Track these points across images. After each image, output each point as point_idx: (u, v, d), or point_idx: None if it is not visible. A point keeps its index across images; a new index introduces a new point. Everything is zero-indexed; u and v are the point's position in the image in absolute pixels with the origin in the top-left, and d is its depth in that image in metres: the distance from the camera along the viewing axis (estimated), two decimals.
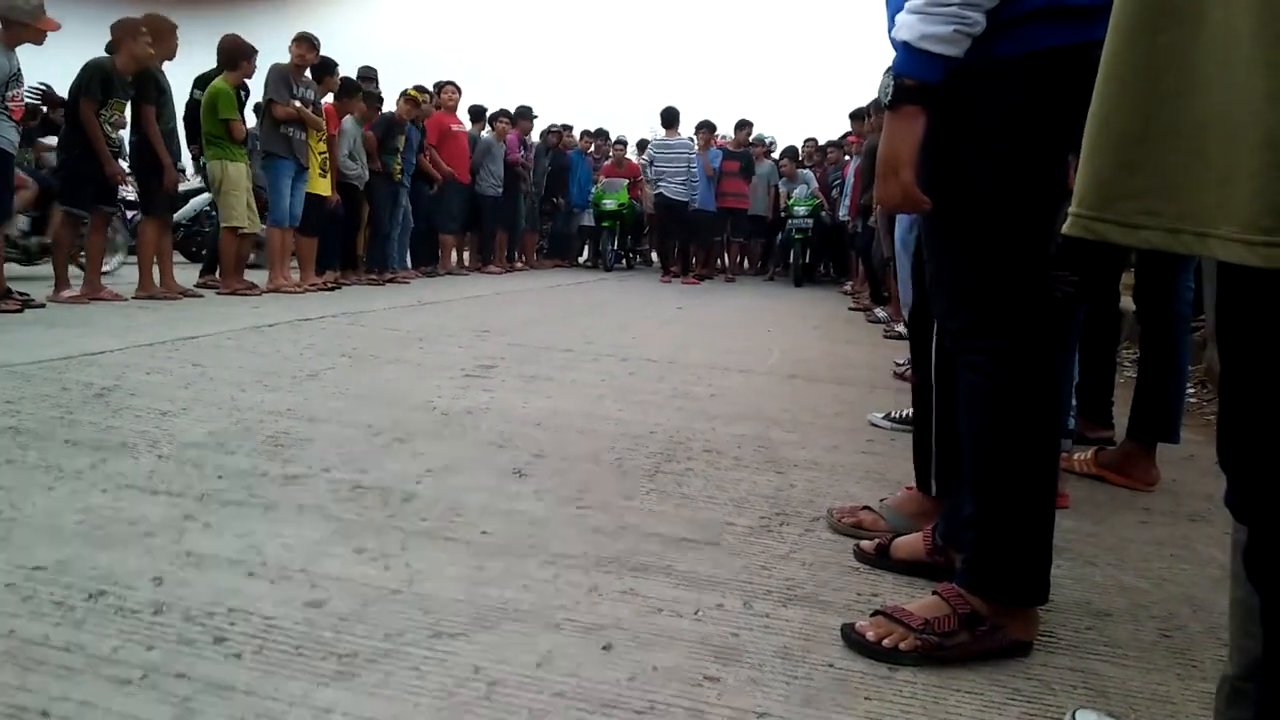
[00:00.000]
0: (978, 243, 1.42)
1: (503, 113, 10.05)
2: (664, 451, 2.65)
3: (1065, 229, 0.79)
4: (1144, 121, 0.73)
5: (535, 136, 11.07)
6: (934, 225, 1.48)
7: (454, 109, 9.37)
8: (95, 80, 5.34)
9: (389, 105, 8.17)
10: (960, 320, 1.48)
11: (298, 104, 6.53)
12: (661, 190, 10.14)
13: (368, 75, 8.32)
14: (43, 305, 5.12)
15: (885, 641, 1.45)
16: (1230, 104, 0.67)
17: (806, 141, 12.32)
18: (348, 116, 7.31)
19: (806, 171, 11.25)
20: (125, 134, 5.67)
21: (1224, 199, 0.68)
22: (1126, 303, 2.97)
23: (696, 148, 10.19)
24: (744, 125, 11.40)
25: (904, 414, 3.08)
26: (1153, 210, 0.72)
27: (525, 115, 10.52)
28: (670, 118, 10.18)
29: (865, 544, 1.87)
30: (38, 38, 4.97)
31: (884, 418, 3.17)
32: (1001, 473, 1.44)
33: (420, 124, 8.48)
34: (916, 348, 1.97)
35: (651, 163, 10.30)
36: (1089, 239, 0.77)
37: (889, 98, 1.36)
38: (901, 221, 2.55)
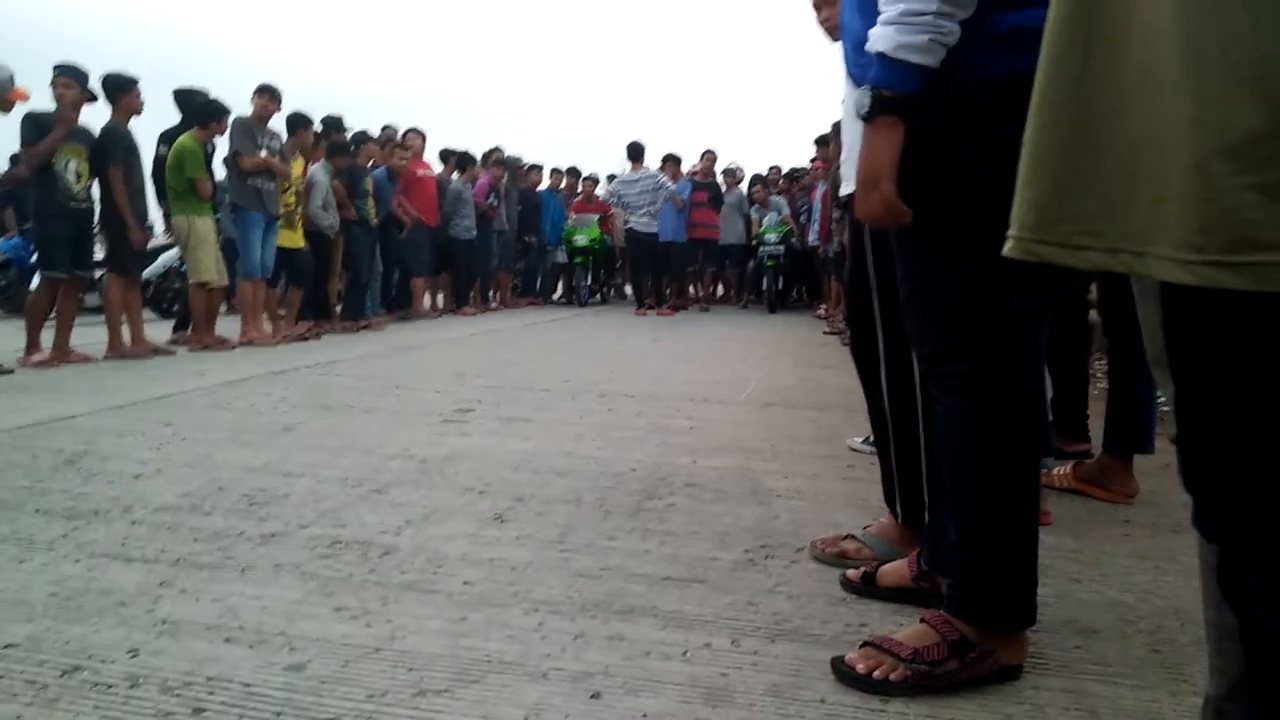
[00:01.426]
0: (953, 266, 1.42)
1: (468, 157, 10.06)
2: (645, 489, 2.64)
3: (1006, 250, 0.80)
4: (1079, 141, 0.74)
5: (544, 177, 10.99)
6: (907, 248, 1.48)
7: (419, 155, 9.40)
8: (120, 146, 5.48)
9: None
10: (935, 344, 1.47)
11: (264, 154, 6.52)
12: (631, 225, 10.24)
13: (333, 125, 8.33)
14: (11, 371, 5.04)
15: (876, 673, 1.43)
16: (1158, 126, 0.68)
17: (771, 169, 12.47)
18: (317, 166, 7.31)
19: (778, 198, 11.37)
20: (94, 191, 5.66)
21: (1157, 218, 0.69)
22: (1094, 315, 3.01)
23: (664, 180, 10.26)
24: (709, 155, 11.54)
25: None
26: (1093, 230, 0.73)
27: (501, 163, 10.54)
28: (635, 151, 10.25)
29: (851, 573, 1.86)
30: (7, 108, 4.97)
31: (863, 442, 3.17)
32: (984, 496, 1.44)
33: (395, 171, 8.51)
34: (864, 371, 1.97)
35: (617, 198, 10.38)
36: (1031, 260, 0.78)
37: (866, 110, 1.36)
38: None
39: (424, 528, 2.24)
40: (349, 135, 8.24)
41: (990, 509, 1.44)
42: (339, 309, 8.00)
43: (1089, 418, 2.94)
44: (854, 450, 3.16)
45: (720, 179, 11.62)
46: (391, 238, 8.63)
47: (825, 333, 7.92)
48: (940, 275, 1.43)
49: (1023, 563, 1.45)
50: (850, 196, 1.65)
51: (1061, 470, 2.66)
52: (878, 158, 1.37)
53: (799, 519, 2.35)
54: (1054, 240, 0.75)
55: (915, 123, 1.37)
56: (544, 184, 12.09)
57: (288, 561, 1.99)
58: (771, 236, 10.60)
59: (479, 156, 10.47)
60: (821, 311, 9.76)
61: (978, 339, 1.43)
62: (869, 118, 1.37)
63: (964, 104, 1.37)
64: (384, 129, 9.12)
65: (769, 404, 4.17)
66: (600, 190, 12.08)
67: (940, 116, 1.38)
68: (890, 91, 1.35)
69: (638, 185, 10.14)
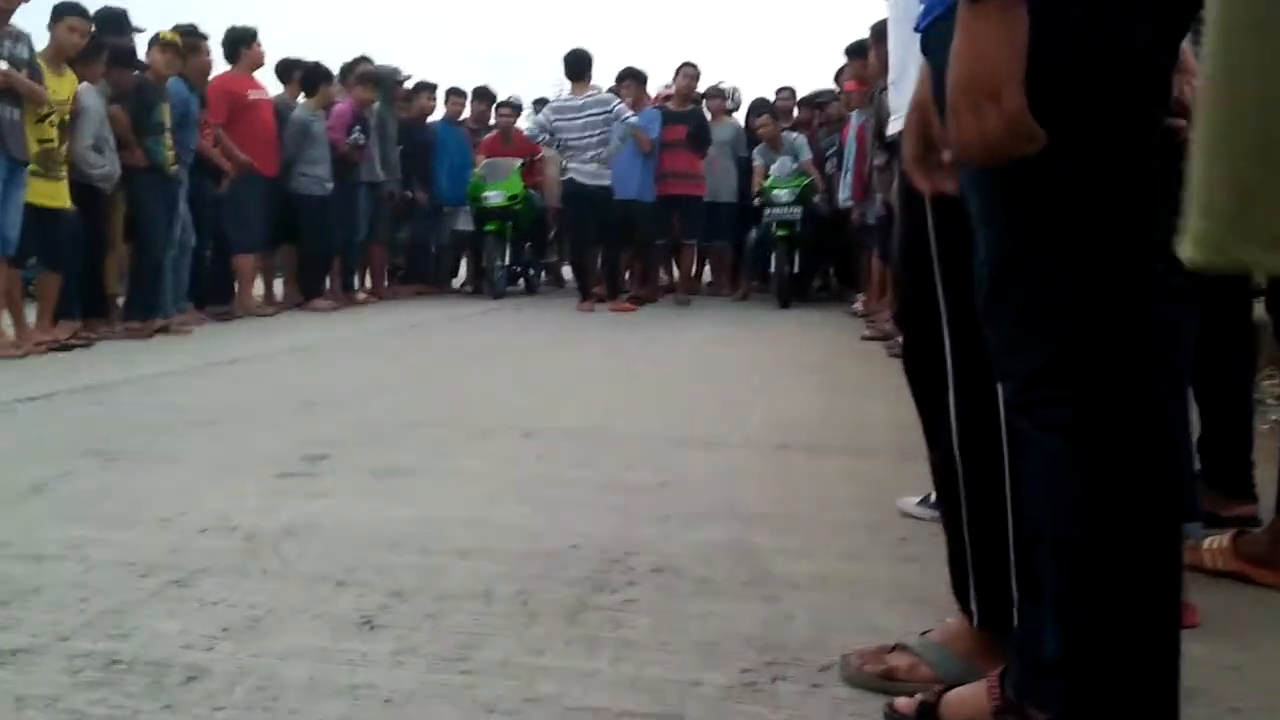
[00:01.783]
0: (1074, 239, 1.43)
1: (319, 72, 9.99)
2: (592, 576, 2.63)
3: (1189, 255, 0.82)
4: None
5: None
6: (1003, 207, 1.48)
7: (254, 67, 9.35)
8: None
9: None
10: (1032, 359, 1.48)
11: (3, 65, 6.43)
12: (572, 174, 10.20)
13: (112, 17, 8.22)
14: None
15: None
16: None
17: (780, 92, 12.53)
18: (85, 86, 7.23)
19: (794, 135, 11.38)
20: None
21: None
22: (1260, 312, 3.05)
23: (621, 107, 10.25)
24: (688, 70, 11.49)
25: None
26: None
27: (369, 79, 10.46)
28: (578, 65, 10.24)
29: (902, 702, 1.87)
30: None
31: (919, 503, 3.20)
32: (1100, 586, 1.45)
33: (198, 87, 8.43)
34: (923, 398, 1.97)
35: (550, 134, 10.36)
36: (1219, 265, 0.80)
37: None
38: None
39: (251, 639, 2.21)
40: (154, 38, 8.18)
41: (1109, 605, 1.45)
42: (121, 302, 7.90)
43: (1254, 466, 2.99)
44: (907, 516, 3.18)
45: (705, 106, 11.66)
46: (204, 193, 8.57)
47: (864, 337, 8.00)
48: (1050, 253, 1.44)
49: (1156, 684, 1.46)
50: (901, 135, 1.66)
51: (1215, 544, 2.69)
52: (993, 56, 1.33)
53: (823, 621, 2.35)
54: (1263, 237, 0.77)
55: (1040, 19, 1.34)
56: (438, 113, 12.07)
57: (38, 693, 1.95)
58: (783, 193, 10.56)
59: (336, 71, 10.41)
60: (858, 305, 9.84)
61: (1096, 352, 1.45)
62: None
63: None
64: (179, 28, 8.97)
65: (780, 446, 4.19)
66: (524, 123, 12.07)
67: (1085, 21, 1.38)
68: None
69: (581, 116, 10.12)
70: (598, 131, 10.11)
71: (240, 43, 9.26)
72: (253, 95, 9.33)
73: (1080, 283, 1.44)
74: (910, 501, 3.25)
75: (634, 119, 10.36)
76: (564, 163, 10.43)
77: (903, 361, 2.05)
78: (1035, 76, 1.35)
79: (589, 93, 10.32)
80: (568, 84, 10.50)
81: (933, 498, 3.16)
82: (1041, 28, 1.35)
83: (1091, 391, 1.45)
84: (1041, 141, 1.35)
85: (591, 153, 10.13)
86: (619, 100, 10.48)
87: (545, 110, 10.77)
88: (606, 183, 10.26)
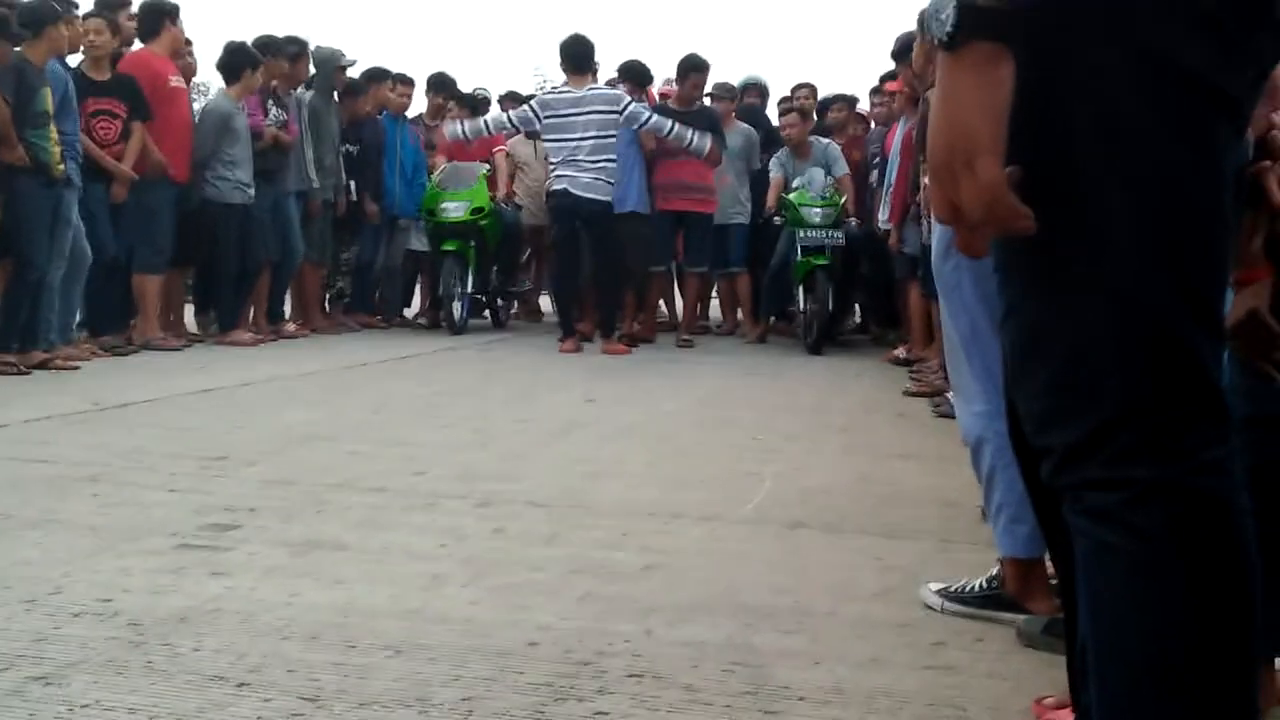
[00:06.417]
0: (1108, 296, 1.45)
1: (241, 54, 9.92)
2: (554, 681, 2.62)
3: None
4: None
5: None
6: (1025, 264, 1.51)
7: (175, 48, 9.39)
8: None
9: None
10: (1071, 432, 1.49)
11: None
12: (564, 183, 10.10)
13: None
14: None
15: None
16: None
17: (798, 90, 12.44)
18: None
19: (825, 141, 11.32)
20: None
21: None
22: None
23: (635, 106, 10.24)
24: (696, 67, 11.36)
25: (975, 586, 3.14)
26: None
27: (293, 58, 10.46)
28: (580, 56, 10.20)
29: None
30: None
31: (939, 592, 3.22)
32: (1158, 713, 1.45)
33: (92, 69, 8.48)
34: (1041, 495, 1.95)
35: (530, 124, 10.35)
36: None
37: (949, 29, 1.39)
38: (938, 239, 2.57)
39: None
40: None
41: None
42: None
43: None
44: (933, 609, 3.20)
45: (710, 103, 11.48)
46: (92, 199, 8.56)
47: (908, 392, 7.95)
48: (1084, 310, 1.46)
49: None
50: None
51: None
52: (968, 115, 1.41)
53: None
54: None
55: (1033, 57, 1.40)
56: (388, 109, 11.99)
57: None
58: (816, 213, 10.35)
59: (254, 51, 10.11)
60: (900, 352, 9.79)
61: (1152, 420, 1.45)
62: (951, 43, 1.40)
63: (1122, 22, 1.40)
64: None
65: (793, 524, 4.18)
66: (491, 119, 11.71)
67: (1084, 47, 1.41)
68: None
69: (581, 112, 10.02)
70: (602, 134, 10.02)
71: (165, 14, 9.25)
72: (172, 81, 9.31)
73: (1126, 348, 1.45)
74: (929, 589, 3.26)
75: (645, 111, 10.31)
76: (551, 170, 10.37)
77: (1010, 437, 1.97)
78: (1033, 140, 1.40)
79: (587, 86, 10.26)
80: (553, 77, 10.46)
81: (957, 587, 3.18)
82: (1033, 88, 1.40)
83: (1145, 470, 1.45)
84: (1024, 220, 1.41)
85: (589, 159, 10.01)
86: (631, 98, 10.41)
87: (533, 103, 10.63)
88: (606, 197, 10.10)
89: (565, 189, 10.12)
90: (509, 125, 10.94)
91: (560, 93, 10.32)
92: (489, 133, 11.08)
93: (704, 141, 10.36)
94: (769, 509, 4.41)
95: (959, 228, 1.45)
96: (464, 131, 10.76)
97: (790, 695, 2.59)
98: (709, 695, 2.58)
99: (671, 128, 10.23)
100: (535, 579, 3.40)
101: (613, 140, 10.09)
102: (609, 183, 10.13)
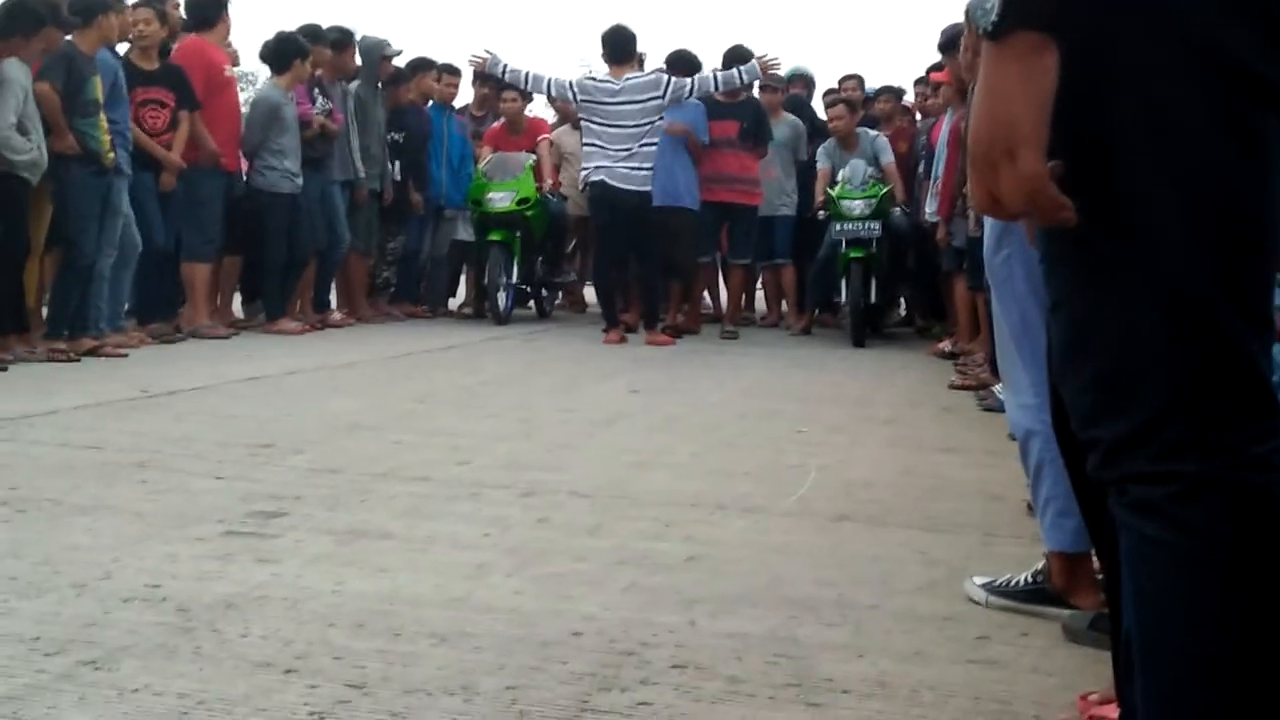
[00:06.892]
0: (1155, 289, 1.44)
1: (290, 43, 9.94)
2: (598, 671, 2.62)
3: None
4: None
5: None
6: (1070, 258, 1.51)
7: (224, 38, 9.44)
8: None
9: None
10: (1118, 425, 1.48)
11: None
12: (601, 175, 10.07)
13: None
14: None
15: None
16: None
17: (845, 82, 12.41)
18: (11, 61, 7.26)
19: (873, 133, 11.28)
20: None
21: None
22: None
23: (678, 83, 10.17)
24: (742, 59, 11.34)
25: (1020, 580, 3.13)
26: None
27: (341, 44, 10.48)
28: (622, 46, 10.16)
29: None
30: None
31: (983, 586, 3.21)
32: (1206, 710, 1.44)
33: (140, 59, 8.52)
34: (1085, 489, 1.94)
35: (570, 96, 10.37)
36: None
37: (994, 18, 1.39)
38: (990, 232, 2.56)
39: None
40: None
41: None
42: (45, 315, 7.93)
43: None
44: (977, 603, 3.18)
45: (757, 95, 11.46)
46: (141, 188, 8.61)
47: (954, 385, 7.92)
48: (1132, 304, 1.45)
49: None
50: None
51: None
52: (1011, 105, 1.40)
53: None
54: None
55: (1077, 48, 1.40)
56: (433, 98, 11.99)
57: None
58: (856, 204, 10.34)
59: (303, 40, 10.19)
60: (945, 345, 9.75)
61: (1199, 414, 1.44)
62: (995, 32, 1.39)
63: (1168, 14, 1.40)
64: None
65: (838, 517, 4.17)
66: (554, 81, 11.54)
67: (1130, 39, 1.41)
68: None
69: (616, 102, 9.98)
70: (640, 123, 9.97)
71: (221, 3, 9.37)
72: (228, 71, 9.38)
73: (1176, 342, 1.44)
74: (974, 583, 3.25)
75: (700, 82, 10.30)
76: (583, 160, 10.36)
77: (1055, 430, 1.96)
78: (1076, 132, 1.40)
79: (631, 74, 10.18)
80: (600, 69, 10.39)
81: (1002, 581, 3.17)
82: (1079, 79, 1.39)
83: (1192, 465, 1.44)
84: (1067, 211, 1.41)
85: (624, 148, 9.95)
86: (673, 79, 10.28)
87: (573, 81, 10.60)
88: (643, 188, 10.03)
89: (603, 180, 10.08)
90: (551, 90, 10.91)
91: (600, 82, 10.28)
92: (549, 92, 11.10)
93: (753, 66, 10.59)
94: (813, 501, 4.40)
95: (1000, 214, 1.46)
96: (525, 78, 10.75)
97: (834, 688, 2.58)
98: (752, 687, 2.57)
99: (716, 80, 10.34)
100: (579, 569, 3.39)
101: (649, 127, 10.02)
102: (647, 173, 10.06)
